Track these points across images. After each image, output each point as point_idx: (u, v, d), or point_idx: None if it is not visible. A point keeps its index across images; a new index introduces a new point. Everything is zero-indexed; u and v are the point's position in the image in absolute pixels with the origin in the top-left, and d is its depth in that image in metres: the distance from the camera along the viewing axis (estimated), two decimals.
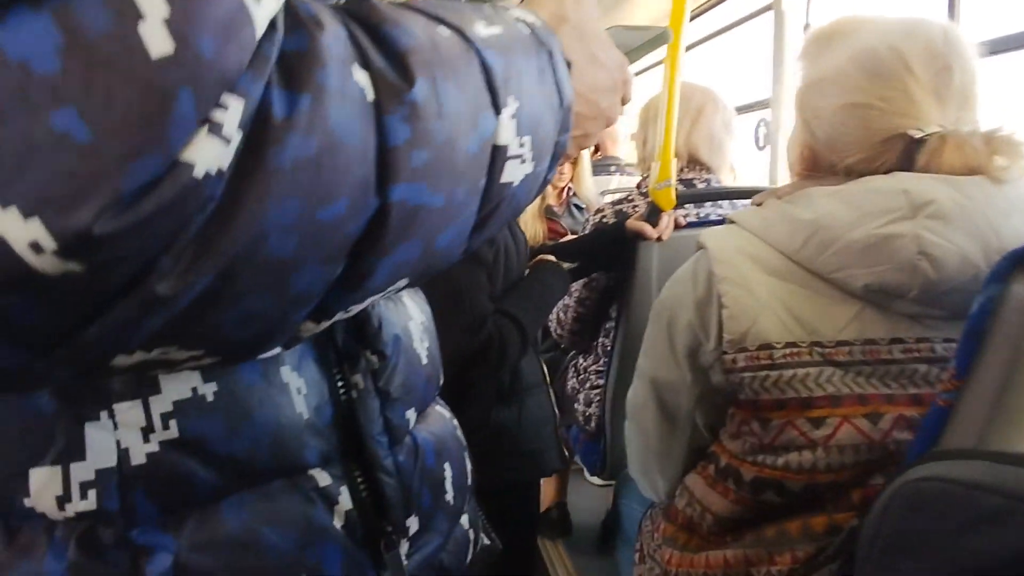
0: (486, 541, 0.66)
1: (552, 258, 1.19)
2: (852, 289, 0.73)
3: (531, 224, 2.36)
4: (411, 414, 0.50)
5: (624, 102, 0.49)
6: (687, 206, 1.46)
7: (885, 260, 0.69)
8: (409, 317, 0.53)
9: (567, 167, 2.55)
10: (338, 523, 0.43)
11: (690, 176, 1.49)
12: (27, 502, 0.36)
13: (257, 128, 0.25)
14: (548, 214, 2.54)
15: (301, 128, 0.25)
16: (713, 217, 1.48)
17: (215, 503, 0.39)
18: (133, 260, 0.23)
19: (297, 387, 0.42)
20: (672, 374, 0.86)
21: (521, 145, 0.35)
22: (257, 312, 0.28)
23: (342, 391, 0.44)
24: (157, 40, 0.21)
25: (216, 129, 0.23)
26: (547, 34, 0.38)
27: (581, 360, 1.69)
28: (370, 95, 0.28)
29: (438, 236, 0.33)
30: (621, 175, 2.98)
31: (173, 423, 0.37)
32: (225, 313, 0.27)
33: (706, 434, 0.87)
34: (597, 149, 3.18)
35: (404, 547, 0.48)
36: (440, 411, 0.59)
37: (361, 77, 0.28)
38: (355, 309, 0.34)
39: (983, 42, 0.75)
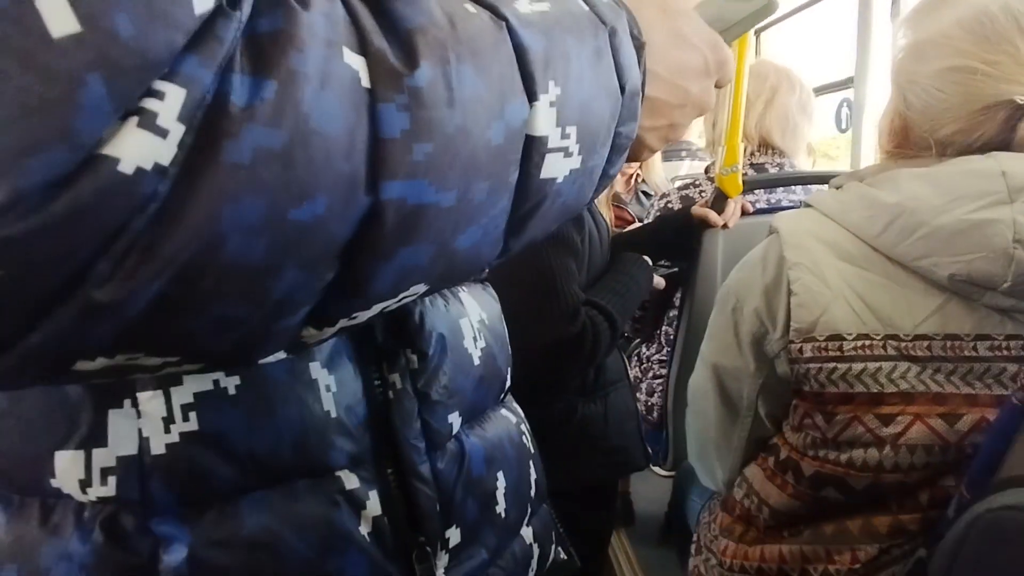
0: (562, 556, 0.62)
1: (636, 254, 1.17)
2: (936, 279, 0.69)
3: None
4: (455, 418, 0.47)
5: (719, 85, 0.45)
6: (756, 192, 1.41)
7: (976, 248, 0.65)
8: (462, 315, 0.50)
9: None
10: (365, 529, 0.41)
11: (761, 160, 1.44)
12: (53, 483, 0.37)
13: (210, 119, 0.22)
14: (615, 201, 2.50)
15: (264, 118, 0.23)
16: (785, 204, 1.42)
17: (235, 500, 0.38)
18: (61, 264, 0.21)
19: (327, 384, 0.40)
20: (735, 361, 0.84)
21: (565, 136, 0.32)
22: (233, 319, 0.26)
23: (379, 391, 0.42)
24: (59, 17, 0.19)
25: (148, 121, 0.21)
26: (613, 10, 0.35)
27: (644, 349, 1.67)
28: (365, 80, 0.25)
29: (456, 237, 0.30)
30: (692, 160, 2.88)
31: (193, 415, 0.36)
32: (193, 321, 0.25)
33: (768, 425, 0.85)
34: None
35: (444, 559, 0.45)
36: (504, 415, 0.55)
37: (354, 60, 0.25)
38: (363, 316, 0.32)
39: None
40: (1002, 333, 0.68)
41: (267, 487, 0.39)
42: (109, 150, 0.20)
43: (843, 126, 2.32)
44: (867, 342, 0.71)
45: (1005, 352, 0.68)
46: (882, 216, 0.71)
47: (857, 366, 0.71)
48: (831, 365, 0.72)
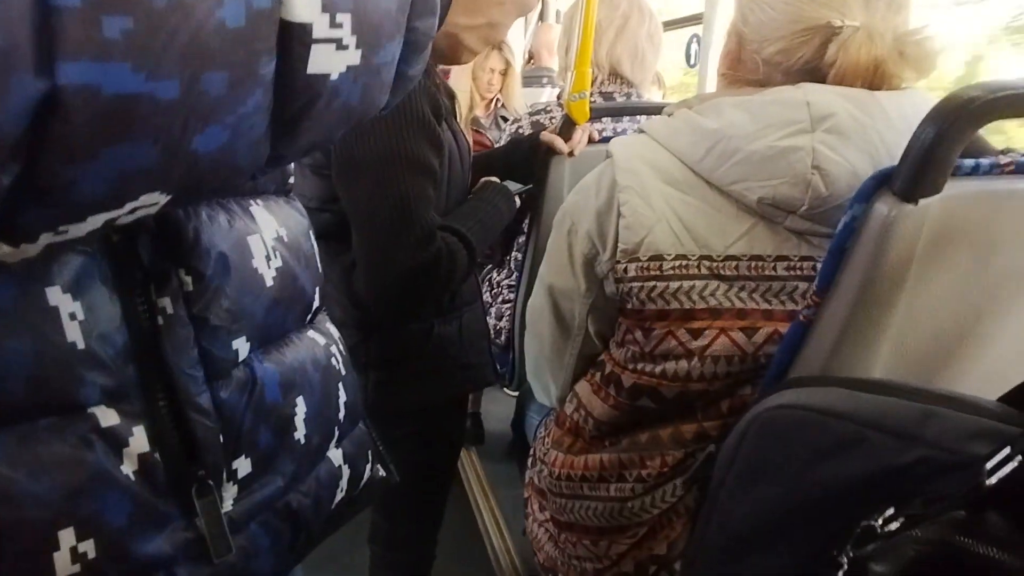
0: (381, 473, 0.61)
1: (497, 179, 1.16)
2: (747, 203, 0.74)
3: None
4: (241, 344, 0.44)
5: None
6: (603, 120, 1.44)
7: (781, 173, 0.69)
8: (251, 231, 0.45)
9: (496, 77, 2.46)
10: (128, 468, 0.37)
11: (610, 89, 1.46)
12: None
13: None
14: (475, 125, 2.46)
15: None
16: (630, 133, 1.46)
17: None
18: None
19: (71, 312, 0.35)
20: (569, 282, 0.86)
21: (335, 25, 0.28)
22: None
23: (145, 316, 0.38)
24: None
25: None
26: None
27: (495, 275, 1.69)
28: None
29: (191, 138, 0.26)
30: (554, 87, 2.89)
31: None
32: None
33: (597, 343, 0.89)
34: (531, 58, 3.07)
35: (232, 491, 0.43)
36: (311, 337, 0.52)
37: None
38: (78, 229, 0.28)
39: None
40: (798, 254, 0.75)
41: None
42: None
43: (692, 61, 2.41)
44: (684, 262, 0.75)
45: (799, 272, 0.75)
46: (704, 142, 0.74)
47: (674, 284, 0.75)
48: (651, 284, 0.76)
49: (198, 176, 0.29)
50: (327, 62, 0.29)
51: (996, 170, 0.57)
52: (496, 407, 2.13)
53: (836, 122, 0.67)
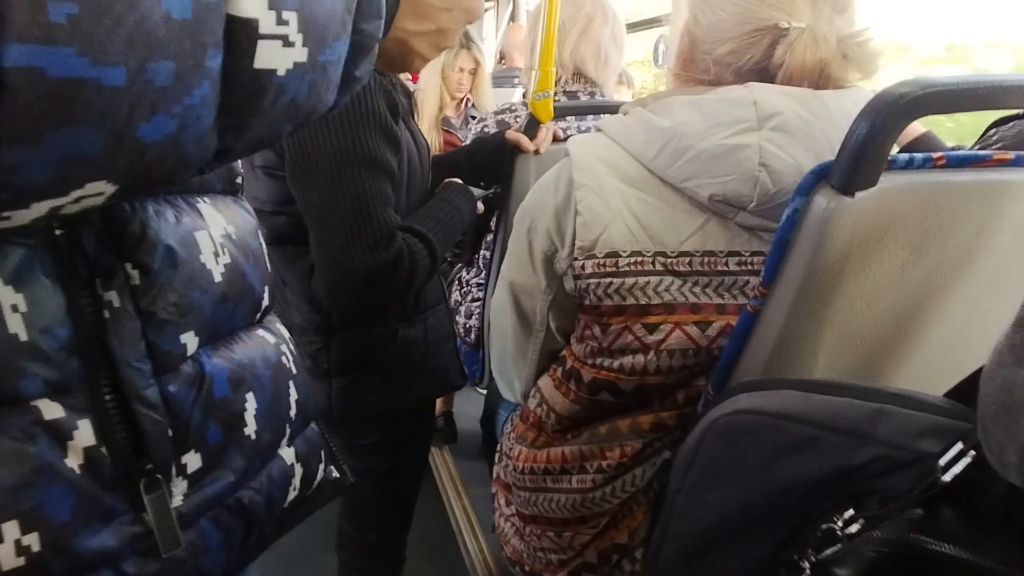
0: (334, 474, 0.62)
1: (459, 180, 1.16)
2: (699, 200, 0.75)
3: (426, 135, 2.29)
4: (190, 338, 0.44)
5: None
6: (568, 119, 1.45)
7: (730, 170, 0.71)
8: (198, 227, 0.46)
9: (466, 76, 2.47)
10: (73, 462, 0.38)
11: (574, 88, 1.48)
12: None
13: None
14: (445, 125, 2.47)
15: None
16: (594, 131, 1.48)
17: None
18: None
19: (12, 304, 0.35)
20: (529, 279, 0.87)
21: (281, 22, 0.29)
22: None
23: (90, 310, 0.38)
24: None
25: None
26: None
27: (464, 274, 1.69)
28: None
29: (135, 125, 0.27)
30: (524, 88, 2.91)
31: None
32: None
33: (559, 338, 0.90)
34: (502, 59, 3.09)
35: (181, 486, 0.44)
36: (261, 335, 0.53)
37: None
38: (21, 216, 0.28)
39: None
40: (748, 250, 0.77)
41: None
42: None
43: (660, 61, 2.44)
44: (639, 259, 0.77)
45: (750, 267, 0.77)
46: (657, 140, 0.76)
47: (629, 280, 0.76)
48: (608, 280, 0.77)
49: (144, 166, 0.30)
50: (273, 58, 0.30)
51: (929, 164, 0.60)
52: (469, 407, 2.13)
53: (782, 120, 0.69)
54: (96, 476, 0.39)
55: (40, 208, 0.28)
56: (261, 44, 0.29)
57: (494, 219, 1.50)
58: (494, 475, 1.08)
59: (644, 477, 0.82)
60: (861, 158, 0.56)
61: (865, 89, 0.75)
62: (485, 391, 1.67)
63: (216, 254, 0.46)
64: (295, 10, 0.30)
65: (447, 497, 1.92)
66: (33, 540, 0.36)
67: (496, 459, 1.08)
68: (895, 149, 0.60)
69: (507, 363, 0.99)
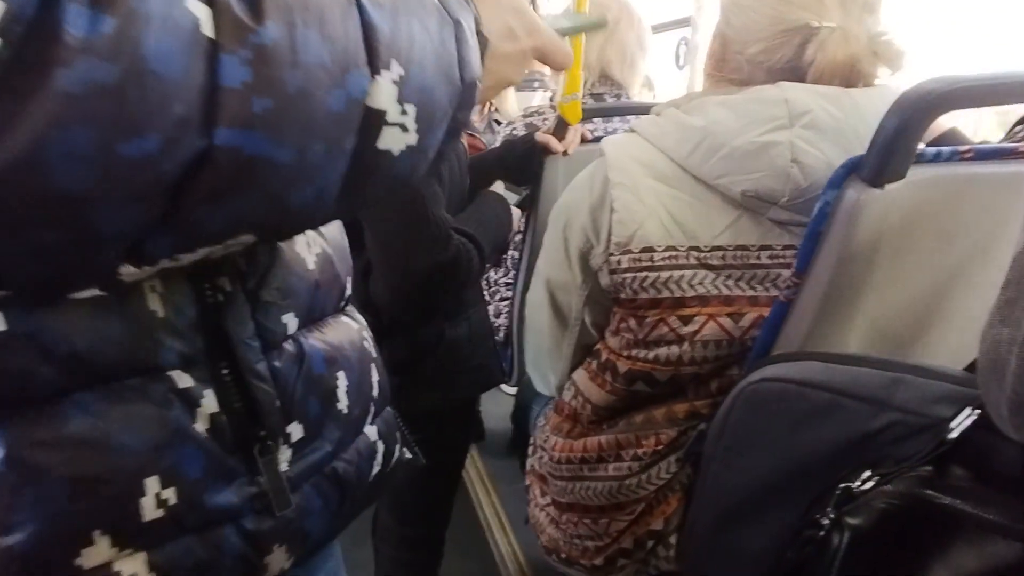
0: (408, 455, 0.66)
1: (495, 191, 1.19)
2: (732, 196, 0.78)
3: None
4: (290, 319, 0.49)
5: (547, 64, 0.49)
6: (595, 120, 1.48)
7: (763, 167, 0.74)
8: None
9: None
10: (201, 426, 0.42)
11: (600, 91, 1.51)
12: None
13: (41, 44, 0.23)
14: (468, 130, 2.51)
15: (100, 52, 0.24)
16: (621, 132, 1.50)
17: (56, 400, 0.37)
18: None
19: (151, 284, 0.40)
20: (565, 275, 0.90)
21: (403, 113, 0.35)
22: (49, 247, 0.27)
23: (209, 293, 0.43)
24: None
25: None
26: (461, 6, 0.38)
27: (492, 273, 1.73)
28: (207, 29, 0.27)
29: (290, 193, 0.32)
30: (545, 91, 2.94)
31: (0, 316, 0.35)
32: (8, 245, 0.26)
33: (593, 332, 0.93)
34: None
35: (287, 453, 0.48)
36: (346, 322, 0.57)
37: (198, 8, 0.27)
38: (186, 258, 0.33)
39: None
40: (780, 243, 0.79)
41: (93, 386, 0.39)
42: None
43: (680, 63, 2.46)
44: (673, 253, 0.79)
45: (782, 260, 0.79)
46: (691, 139, 0.79)
47: (664, 274, 0.79)
48: (643, 274, 0.80)
49: (283, 224, 0.35)
50: (392, 141, 0.35)
51: (956, 157, 0.62)
52: (495, 406, 2.16)
53: (812, 118, 0.72)
54: (220, 440, 0.43)
55: (201, 252, 0.33)
56: (385, 130, 0.34)
57: (522, 219, 1.54)
58: (528, 467, 1.11)
59: (678, 464, 0.85)
60: (890, 152, 0.59)
61: (892, 87, 0.78)
62: (514, 388, 1.70)
63: (309, 244, 0.52)
64: (415, 103, 0.35)
65: (475, 494, 1.95)
66: (171, 495, 0.40)
67: (530, 452, 1.11)
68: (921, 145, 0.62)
69: (542, 358, 1.02)
